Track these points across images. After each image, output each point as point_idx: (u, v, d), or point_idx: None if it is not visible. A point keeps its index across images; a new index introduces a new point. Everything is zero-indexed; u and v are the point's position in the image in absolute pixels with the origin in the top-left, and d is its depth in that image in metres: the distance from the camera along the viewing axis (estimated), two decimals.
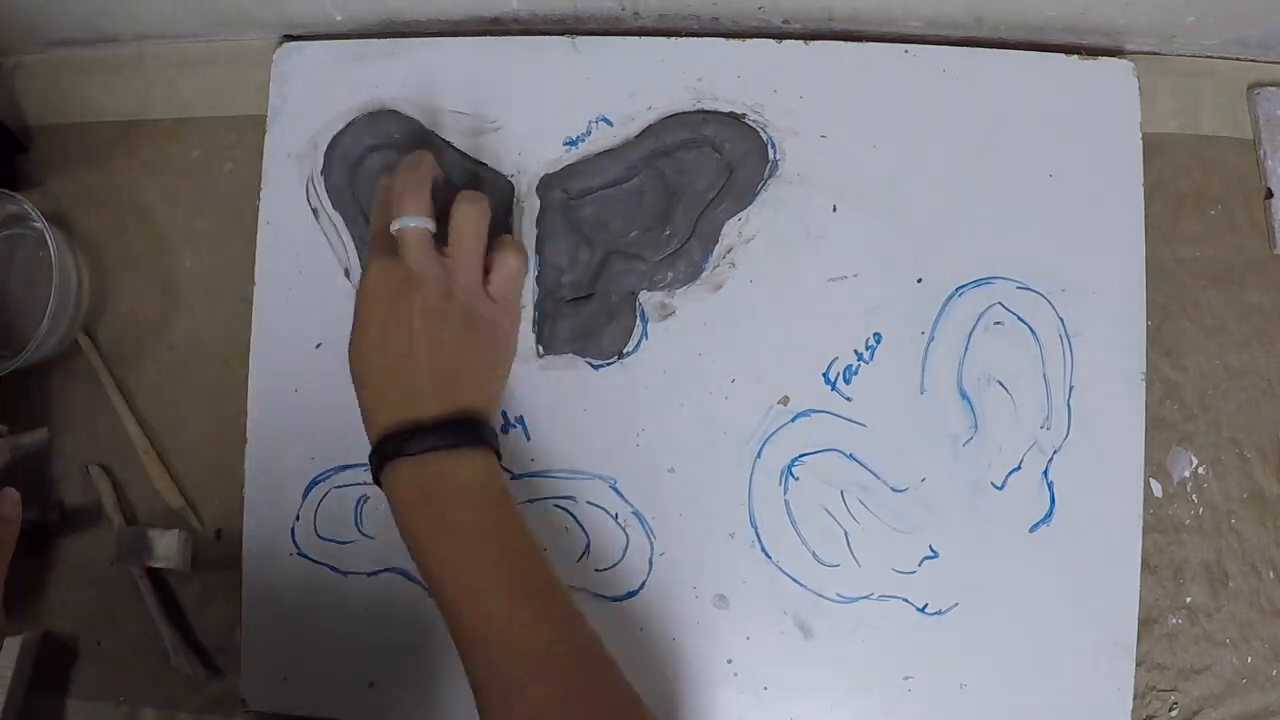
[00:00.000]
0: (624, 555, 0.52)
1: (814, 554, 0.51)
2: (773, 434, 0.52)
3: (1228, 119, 0.55)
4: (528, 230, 0.53)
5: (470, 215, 0.46)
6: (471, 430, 0.45)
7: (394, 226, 0.46)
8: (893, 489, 0.51)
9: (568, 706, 0.41)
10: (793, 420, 0.52)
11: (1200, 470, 0.53)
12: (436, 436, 0.44)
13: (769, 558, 0.51)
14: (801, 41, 0.54)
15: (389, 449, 0.44)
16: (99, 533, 0.56)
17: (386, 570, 0.53)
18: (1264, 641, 0.52)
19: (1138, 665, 0.50)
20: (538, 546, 0.45)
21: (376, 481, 0.45)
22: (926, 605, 0.50)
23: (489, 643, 0.41)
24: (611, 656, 0.43)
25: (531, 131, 0.54)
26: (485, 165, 0.54)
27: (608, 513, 0.52)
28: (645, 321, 0.53)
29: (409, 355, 0.45)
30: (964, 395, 0.51)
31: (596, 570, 0.52)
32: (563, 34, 0.55)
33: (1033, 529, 0.51)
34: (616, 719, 0.41)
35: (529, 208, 0.54)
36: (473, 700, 0.51)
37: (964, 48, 0.54)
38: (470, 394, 0.46)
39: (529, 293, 0.53)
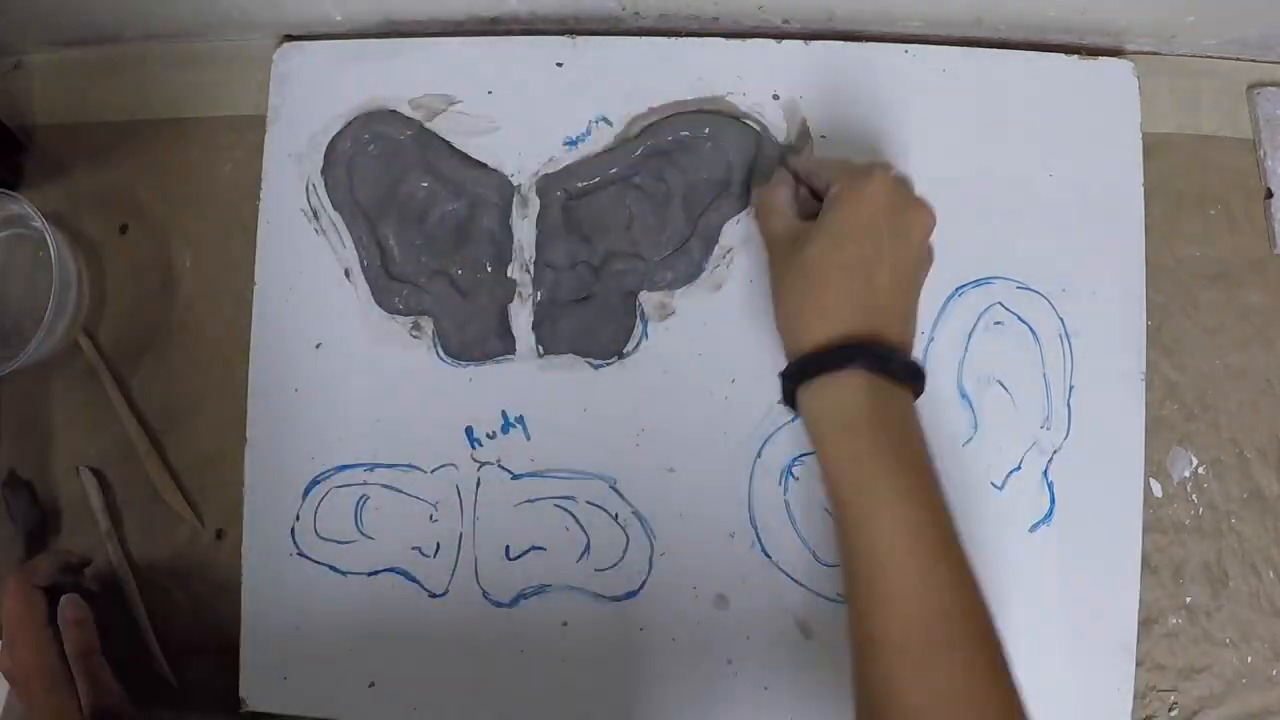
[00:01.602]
0: (624, 555, 0.52)
1: (814, 554, 0.51)
2: (773, 434, 0.51)
3: (1228, 119, 0.55)
4: (527, 230, 0.53)
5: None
6: (919, 376, 0.43)
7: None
8: None
9: (953, 676, 0.38)
10: (793, 420, 0.52)
11: (1200, 470, 0.53)
12: (900, 363, 0.42)
13: (769, 558, 0.51)
14: (801, 41, 0.54)
15: (836, 355, 0.42)
16: (97, 533, 0.56)
17: (386, 570, 0.53)
18: (1264, 641, 0.52)
19: (1138, 665, 0.50)
20: (949, 505, 0.42)
21: (789, 392, 0.44)
22: None
23: (894, 595, 0.39)
24: (998, 632, 0.39)
25: (531, 131, 0.54)
26: (485, 165, 0.54)
27: (608, 513, 0.52)
28: (645, 321, 0.53)
29: (896, 273, 0.43)
30: (964, 395, 0.51)
31: (596, 570, 0.52)
32: (563, 34, 0.55)
33: (1033, 529, 0.51)
34: (993, 696, 0.38)
35: (529, 208, 0.54)
36: (470, 700, 0.52)
37: (964, 48, 0.54)
38: (912, 335, 0.45)
39: (529, 293, 0.53)
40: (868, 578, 0.40)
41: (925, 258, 0.45)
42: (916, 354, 0.51)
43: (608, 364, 0.53)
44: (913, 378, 0.43)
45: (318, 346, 0.54)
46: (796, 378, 0.43)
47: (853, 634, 0.40)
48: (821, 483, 0.43)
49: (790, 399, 0.44)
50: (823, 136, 0.53)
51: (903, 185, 0.44)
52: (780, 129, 0.53)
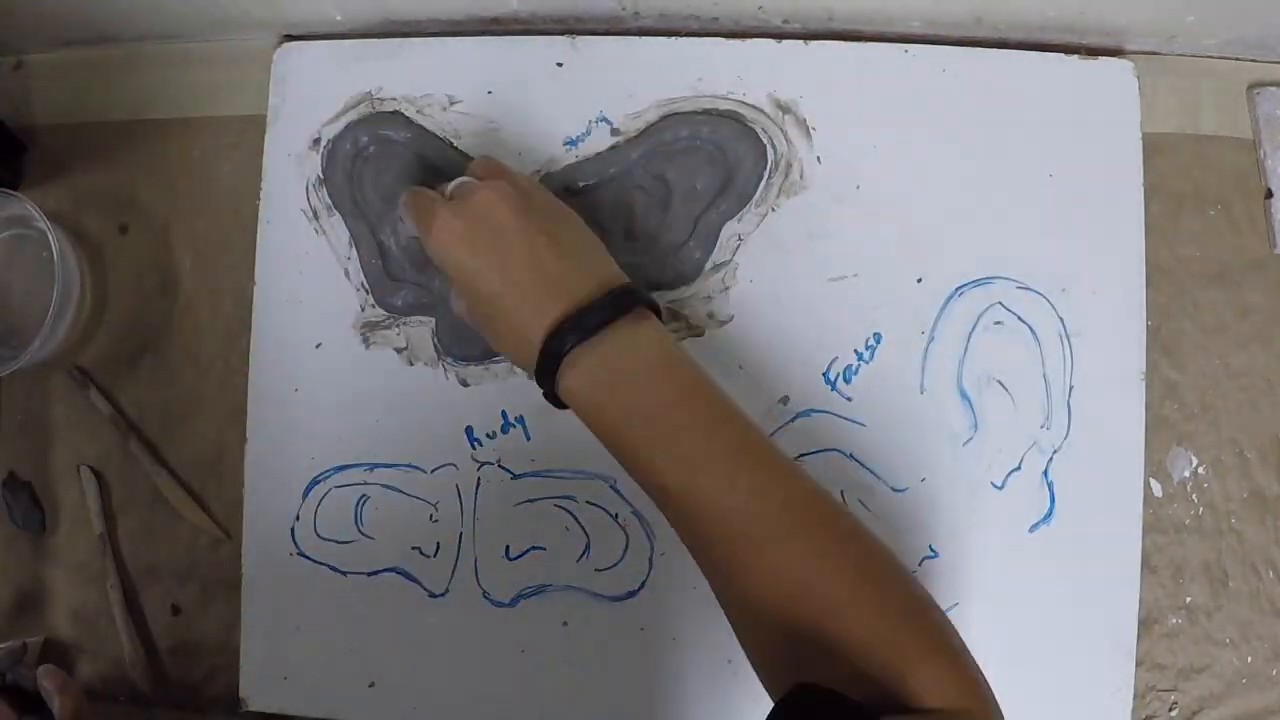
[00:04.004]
0: (624, 555, 0.52)
1: None
2: (772, 434, 0.51)
3: (1228, 119, 0.55)
4: None
5: (482, 160, 0.48)
6: (627, 295, 0.43)
7: (450, 188, 0.46)
8: (893, 489, 0.51)
9: (823, 561, 0.38)
10: (793, 420, 0.52)
11: (1200, 470, 0.53)
12: (598, 312, 0.41)
13: None
14: (801, 41, 0.54)
15: (554, 346, 0.41)
16: (101, 537, 0.56)
17: (386, 570, 0.53)
18: (1264, 641, 0.52)
19: (1138, 665, 0.50)
20: (737, 406, 0.42)
21: (552, 398, 0.43)
22: None
23: (715, 516, 0.39)
24: (843, 505, 0.40)
25: (531, 131, 0.54)
26: None
27: (608, 513, 0.52)
28: None
29: (528, 256, 0.43)
30: (964, 395, 0.51)
31: (596, 570, 0.52)
32: (563, 34, 0.55)
33: (1033, 529, 0.51)
34: (871, 566, 0.38)
35: None
36: (470, 700, 0.52)
37: (964, 48, 0.54)
38: (601, 266, 0.44)
39: None
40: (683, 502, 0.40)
41: (526, 222, 0.43)
42: (917, 354, 0.52)
43: None
44: (620, 304, 0.42)
45: (318, 346, 0.54)
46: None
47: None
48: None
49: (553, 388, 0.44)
50: (813, 129, 0.53)
51: (457, 206, 0.44)
52: (779, 134, 0.53)
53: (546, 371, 0.42)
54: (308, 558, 0.53)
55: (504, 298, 0.43)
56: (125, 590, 0.56)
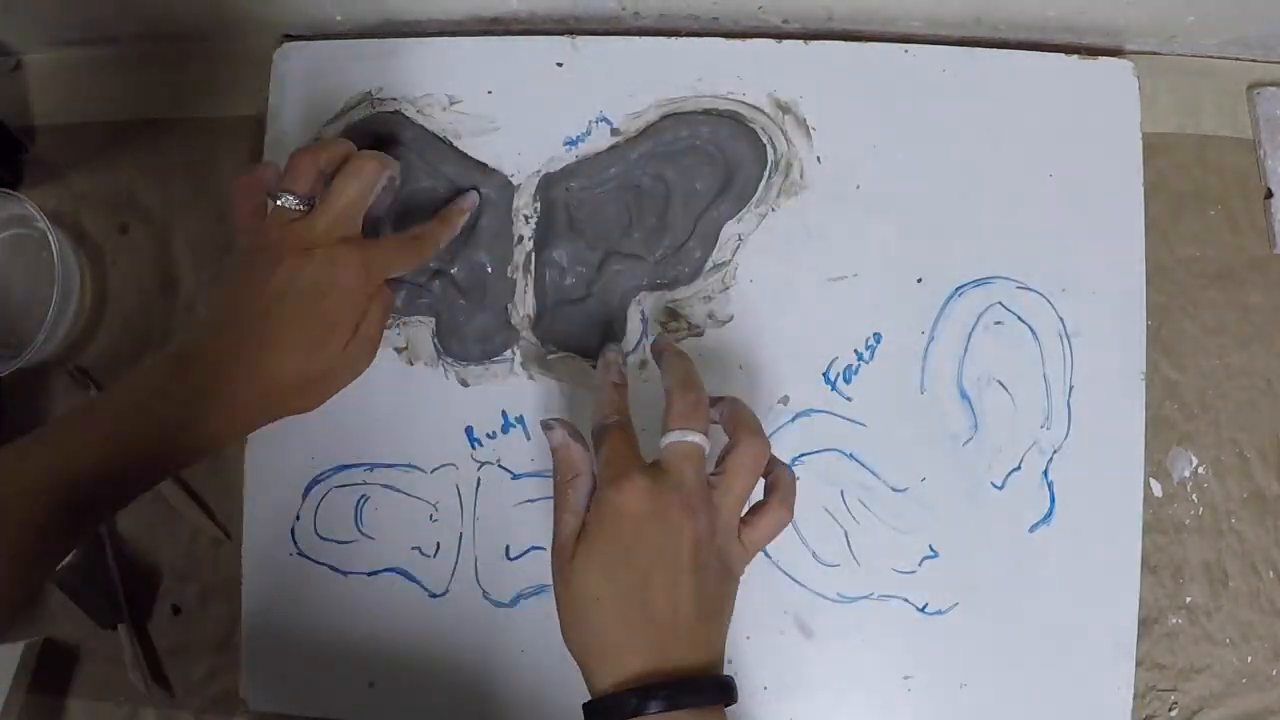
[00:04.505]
0: None
1: (814, 554, 0.51)
2: (773, 434, 0.51)
3: (1228, 119, 0.55)
4: (528, 230, 0.54)
5: (753, 452, 0.41)
6: (728, 691, 0.39)
7: (667, 440, 0.40)
8: (893, 489, 0.51)
9: None
10: (793, 420, 0.52)
11: (1200, 470, 0.53)
12: (699, 693, 0.38)
13: (769, 557, 0.51)
14: (801, 41, 0.54)
15: (634, 702, 0.37)
16: (98, 534, 0.56)
17: (386, 570, 0.53)
18: (1264, 641, 0.52)
19: (1138, 665, 0.50)
20: None
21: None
22: (926, 605, 0.50)
23: None
24: None
25: (531, 131, 0.54)
26: (485, 165, 0.54)
27: None
28: (645, 321, 0.53)
29: (671, 594, 0.39)
30: (964, 395, 0.51)
31: None
32: (563, 34, 0.55)
33: (1032, 529, 0.51)
34: None
35: (529, 208, 0.54)
36: (470, 700, 0.52)
37: (964, 48, 0.53)
38: (719, 646, 0.41)
39: (529, 293, 0.53)
40: None
41: (702, 560, 0.39)
42: (917, 354, 0.52)
43: None
44: (718, 696, 0.39)
45: None
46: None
47: None
48: None
49: None
50: (813, 129, 0.53)
51: (661, 487, 0.39)
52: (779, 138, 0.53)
53: (610, 709, 0.38)
54: (308, 558, 0.53)
55: (623, 608, 0.39)
56: (125, 590, 0.56)
